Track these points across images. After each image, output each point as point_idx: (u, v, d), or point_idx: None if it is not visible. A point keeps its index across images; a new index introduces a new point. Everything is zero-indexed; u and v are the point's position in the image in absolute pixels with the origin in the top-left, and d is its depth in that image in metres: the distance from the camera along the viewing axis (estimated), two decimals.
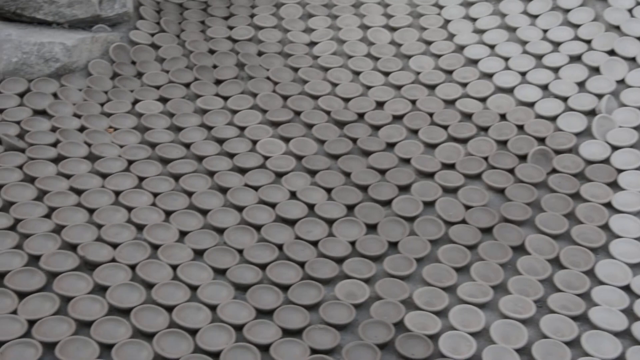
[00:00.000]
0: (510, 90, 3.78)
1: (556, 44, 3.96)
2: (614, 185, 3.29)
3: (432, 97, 3.81)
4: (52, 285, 2.73)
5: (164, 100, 3.82)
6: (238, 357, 2.54)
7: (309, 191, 3.30)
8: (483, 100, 3.76)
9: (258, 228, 3.10)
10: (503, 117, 3.66)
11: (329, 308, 2.75)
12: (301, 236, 3.07)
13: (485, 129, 3.61)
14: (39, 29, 3.89)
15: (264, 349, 2.58)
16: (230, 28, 4.27)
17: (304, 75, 3.97)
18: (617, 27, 3.93)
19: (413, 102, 3.78)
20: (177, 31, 4.23)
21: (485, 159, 3.44)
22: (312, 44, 4.20)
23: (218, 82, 3.95)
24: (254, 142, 3.56)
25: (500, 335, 2.63)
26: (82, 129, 3.57)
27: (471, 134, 3.57)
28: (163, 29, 4.20)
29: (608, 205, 3.20)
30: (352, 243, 3.05)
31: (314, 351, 2.58)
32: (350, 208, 3.22)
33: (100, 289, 2.76)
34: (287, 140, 3.58)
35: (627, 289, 2.86)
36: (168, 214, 3.13)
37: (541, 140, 3.51)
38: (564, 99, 3.68)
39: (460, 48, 4.05)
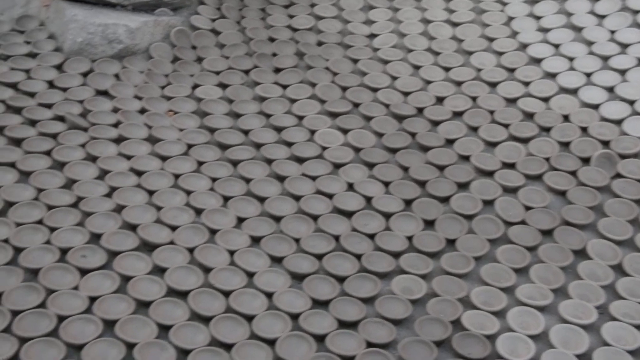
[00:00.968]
0: (574, 91, 3.71)
1: (624, 46, 3.86)
2: None
3: (493, 95, 3.76)
4: (112, 264, 2.76)
5: (223, 86, 3.83)
6: (293, 345, 2.54)
7: (366, 184, 3.29)
8: (546, 100, 3.70)
9: (315, 218, 3.09)
10: (566, 118, 3.59)
11: (385, 302, 2.74)
12: (358, 228, 3.06)
13: (547, 130, 3.55)
14: (103, 11, 3.93)
15: (320, 339, 2.58)
16: (291, 17, 4.25)
17: (364, 67, 3.95)
18: None
19: (474, 99, 3.74)
20: (237, 18, 4.24)
21: (547, 160, 3.38)
22: (373, 36, 4.18)
23: (277, 70, 3.95)
24: (312, 132, 3.56)
25: (560, 339, 2.58)
26: (142, 111, 3.59)
27: (533, 134, 3.52)
28: (224, 15, 4.20)
29: None
30: (409, 238, 3.03)
31: (369, 344, 2.57)
32: (408, 203, 3.20)
33: (158, 270, 2.78)
34: (345, 131, 3.57)
35: None
36: (226, 199, 3.14)
37: (605, 143, 3.44)
38: (630, 103, 3.60)
39: (524, 46, 3.99)
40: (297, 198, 3.18)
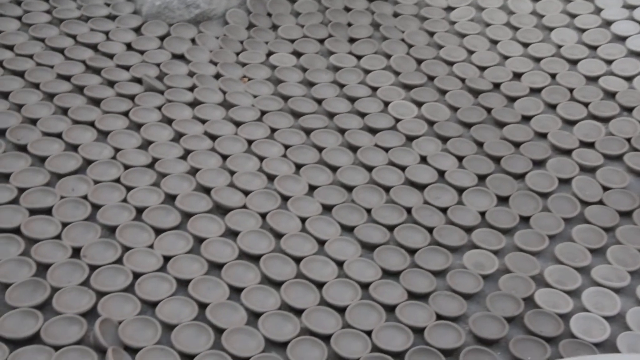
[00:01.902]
0: None
1: None
2: None
3: (573, 72, 3.66)
4: (186, 225, 2.80)
5: (297, 54, 3.82)
6: (363, 314, 2.54)
7: (439, 157, 3.25)
8: (629, 79, 3.58)
9: (387, 189, 3.07)
10: None
11: (456, 276, 2.71)
12: (430, 201, 3.03)
13: (629, 110, 3.44)
14: None
15: (390, 309, 2.58)
16: None
17: (440, 40, 3.89)
18: None
19: (552, 75, 3.64)
20: None
21: (628, 140, 3.28)
22: (450, 8, 4.11)
23: (352, 40, 3.91)
24: (386, 104, 3.53)
25: (637, 322, 2.52)
26: (217, 76, 3.61)
27: (614, 113, 3.42)
28: None
29: None
30: (482, 213, 2.99)
31: (439, 317, 2.56)
32: (482, 178, 3.15)
33: (231, 233, 2.80)
34: (419, 104, 3.53)
35: None
36: (298, 167, 3.15)
37: None
38: None
39: (607, 23, 3.86)
40: (370, 168, 3.17)
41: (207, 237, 2.76)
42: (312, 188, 3.06)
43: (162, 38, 3.76)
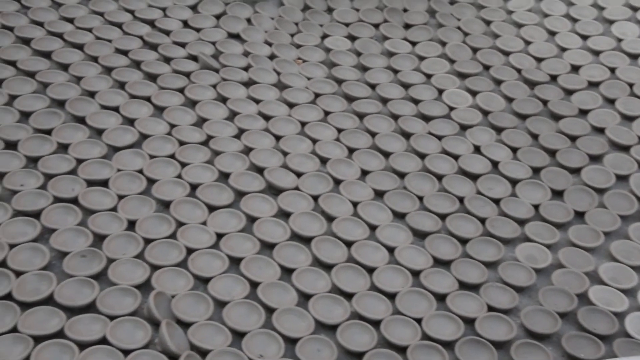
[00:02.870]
0: None
1: None
2: None
3: (633, 67, 3.59)
4: (239, 204, 2.81)
5: (352, 38, 3.80)
6: (414, 301, 2.53)
7: (493, 148, 3.22)
8: None
9: (439, 177, 3.05)
10: None
11: (509, 268, 2.69)
12: (483, 192, 3.00)
13: None
14: None
15: (440, 298, 2.57)
16: None
17: (497, 29, 3.84)
18: None
19: (612, 70, 3.58)
20: None
21: None
22: None
23: (407, 26, 3.89)
24: (440, 91, 3.50)
25: None
26: (272, 56, 3.61)
27: None
28: None
29: None
30: (536, 207, 2.96)
31: (490, 308, 2.54)
32: (536, 171, 3.12)
33: (283, 214, 2.81)
34: (474, 93, 3.49)
35: None
36: (351, 151, 3.14)
37: None
38: None
39: None
40: (422, 156, 3.14)
41: (260, 216, 2.76)
42: (365, 173, 3.05)
43: (218, 17, 3.77)
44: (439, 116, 3.36)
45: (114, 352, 2.21)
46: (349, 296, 2.53)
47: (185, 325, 2.35)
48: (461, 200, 2.96)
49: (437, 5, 3.98)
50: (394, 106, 3.39)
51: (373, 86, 3.52)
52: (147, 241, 2.59)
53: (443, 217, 2.88)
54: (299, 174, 2.98)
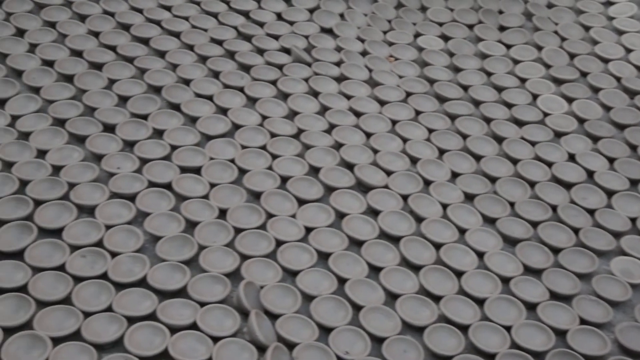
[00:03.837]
0: None
1: None
2: None
3: None
4: (328, 199, 2.80)
5: (445, 38, 3.76)
6: (503, 308, 2.48)
7: (589, 156, 3.13)
8: None
9: (532, 184, 2.98)
10: None
11: (602, 281, 2.61)
12: (576, 201, 2.92)
13: None
14: None
15: (530, 307, 2.51)
16: None
17: (596, 35, 3.74)
18: None
19: None
20: None
21: None
22: (609, 3, 3.94)
23: (502, 28, 3.82)
24: (535, 96, 3.42)
25: None
26: (364, 53, 3.60)
27: None
28: None
29: None
30: (633, 220, 2.86)
31: (583, 321, 2.47)
32: (634, 183, 3.02)
33: (372, 212, 2.79)
34: (570, 100, 3.41)
35: None
36: (442, 152, 3.10)
37: None
38: None
39: None
40: (515, 161, 3.08)
41: (349, 212, 2.75)
42: (455, 175, 3.00)
43: (311, 11, 3.77)
44: (532, 121, 3.29)
45: (204, 338, 2.23)
46: (436, 299, 2.50)
47: (273, 316, 2.35)
48: (554, 208, 2.89)
49: (534, 8, 3.90)
50: (487, 109, 3.33)
51: (465, 88, 3.46)
52: (238, 230, 2.61)
53: (535, 224, 2.81)
54: (388, 172, 2.96)
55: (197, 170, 2.82)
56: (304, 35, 3.61)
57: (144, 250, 2.51)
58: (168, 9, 3.60)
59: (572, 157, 3.12)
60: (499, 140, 3.18)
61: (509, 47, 3.70)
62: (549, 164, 3.07)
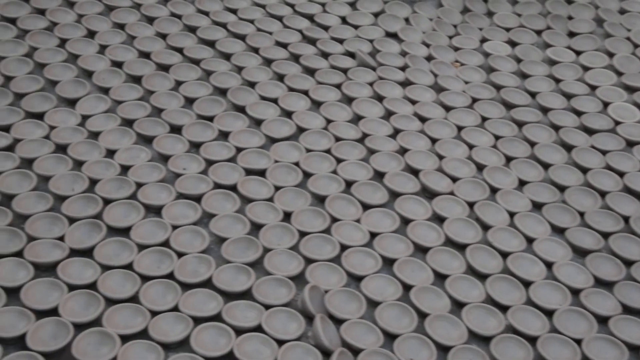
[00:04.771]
0: None
1: None
2: None
3: None
4: (393, 204, 2.77)
5: (512, 43, 3.70)
6: (572, 321, 2.41)
7: None
8: None
9: (602, 194, 2.91)
10: None
11: None
12: None
13: None
14: None
15: (601, 320, 2.43)
16: None
17: None
18: None
19: None
20: None
21: None
22: None
23: (572, 34, 3.74)
24: (605, 104, 3.33)
25: None
26: (429, 58, 3.56)
27: None
28: None
29: None
30: None
31: None
32: None
33: (437, 218, 2.75)
34: None
35: None
36: (508, 159, 3.04)
37: None
38: None
39: None
40: (584, 170, 3.00)
41: (414, 218, 2.72)
42: (522, 183, 2.95)
43: (376, 15, 3.75)
44: (603, 130, 3.20)
45: (269, 341, 2.22)
46: (503, 308, 2.45)
47: (337, 321, 2.33)
48: (626, 219, 2.80)
49: (606, 14, 3.80)
50: (555, 116, 3.26)
51: (533, 94, 3.40)
52: (302, 234, 2.60)
53: (605, 235, 2.73)
54: (454, 179, 2.91)
55: (261, 173, 2.82)
56: (368, 39, 3.59)
57: (209, 251, 2.52)
58: (234, 12, 3.62)
59: None
60: (568, 148, 3.10)
61: (578, 53, 3.62)
62: (621, 174, 2.99)
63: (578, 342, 2.34)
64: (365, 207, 2.75)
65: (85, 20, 3.41)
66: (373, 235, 2.64)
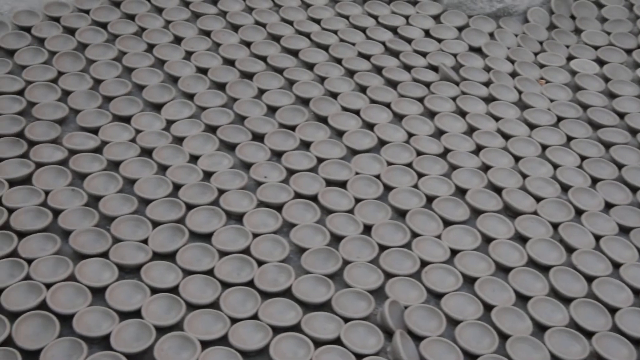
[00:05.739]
0: None
1: None
2: None
3: None
4: (474, 222, 2.72)
5: (600, 62, 3.60)
6: None
7: None
8: None
9: None
10: None
11: None
12: None
13: None
14: None
15: None
16: None
17: None
18: None
19: None
20: None
21: None
22: None
23: None
24: None
25: None
26: (513, 74, 3.50)
27: None
28: None
29: None
30: None
31: None
32: None
33: (519, 238, 2.69)
34: None
35: None
36: (594, 180, 2.96)
37: None
38: None
39: None
40: None
41: (496, 237, 2.67)
42: (609, 205, 2.86)
43: (460, 29, 3.71)
44: None
45: (347, 354, 2.20)
46: (588, 334, 2.37)
47: (416, 337, 2.30)
48: None
49: None
50: None
51: (622, 115, 3.30)
52: (382, 247, 2.57)
53: None
54: (538, 199, 2.85)
55: (342, 184, 2.81)
56: (452, 53, 3.55)
57: (289, 260, 2.52)
58: (317, 22, 3.63)
59: None
60: None
61: None
62: None
63: None
64: (447, 223, 2.71)
65: (173, 27, 3.47)
66: (454, 252, 2.60)
